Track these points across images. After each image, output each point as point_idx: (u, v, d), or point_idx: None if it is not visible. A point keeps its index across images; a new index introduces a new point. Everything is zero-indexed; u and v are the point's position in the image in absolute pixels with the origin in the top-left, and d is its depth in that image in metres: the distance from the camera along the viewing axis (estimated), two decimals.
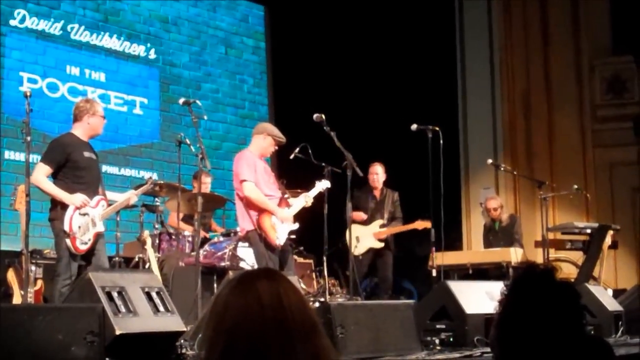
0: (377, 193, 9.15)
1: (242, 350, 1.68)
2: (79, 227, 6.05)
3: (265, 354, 1.68)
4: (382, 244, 8.90)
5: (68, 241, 5.98)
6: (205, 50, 11.81)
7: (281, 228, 6.88)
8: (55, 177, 6.17)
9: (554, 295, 2.40)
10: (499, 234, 9.27)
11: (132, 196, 6.67)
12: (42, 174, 6.07)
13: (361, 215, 8.93)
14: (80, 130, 6.33)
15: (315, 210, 7.30)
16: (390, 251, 9.01)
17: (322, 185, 7.28)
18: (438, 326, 5.98)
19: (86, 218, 6.11)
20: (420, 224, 8.66)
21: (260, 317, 1.70)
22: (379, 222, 8.96)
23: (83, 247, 6.09)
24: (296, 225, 7.09)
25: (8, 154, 9.29)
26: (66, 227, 5.99)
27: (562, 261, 9.94)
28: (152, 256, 7.10)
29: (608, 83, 12.08)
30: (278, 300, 1.73)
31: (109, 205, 6.43)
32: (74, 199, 6.02)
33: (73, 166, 6.15)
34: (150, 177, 6.93)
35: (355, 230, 8.72)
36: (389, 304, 6.17)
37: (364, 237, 8.91)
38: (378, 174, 9.11)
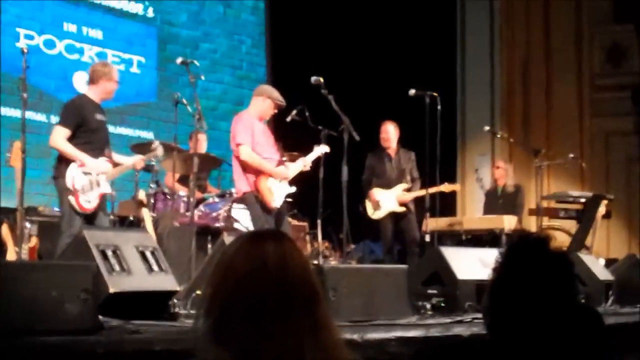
0: (391, 153, 8.66)
1: (241, 309, 1.69)
2: (82, 186, 6.10)
3: (264, 315, 1.68)
4: (403, 208, 8.46)
5: (71, 198, 6.03)
6: (203, 10, 11.72)
7: (278, 190, 6.89)
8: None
9: (547, 264, 2.40)
10: (500, 200, 9.32)
11: (139, 161, 6.75)
12: (62, 138, 6.13)
13: (375, 198, 8.54)
14: (93, 93, 6.41)
15: (311, 174, 7.30)
16: (412, 212, 8.51)
17: (321, 150, 7.26)
18: (430, 291, 6.01)
19: (89, 177, 6.18)
20: (447, 187, 8.37)
21: (263, 279, 1.71)
22: (403, 185, 8.51)
23: (87, 206, 6.14)
24: (293, 189, 7.09)
25: (4, 110, 9.24)
26: (69, 185, 6.05)
27: (555, 229, 9.98)
28: (147, 215, 7.11)
29: (608, 52, 12.04)
30: (283, 263, 1.73)
31: (115, 166, 6.46)
32: (93, 166, 6.09)
33: (85, 128, 6.22)
34: (159, 143, 6.94)
35: (377, 194, 8.53)
36: (381, 268, 6.20)
37: (385, 201, 8.52)
38: (389, 132, 8.64)
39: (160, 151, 6.73)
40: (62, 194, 6.13)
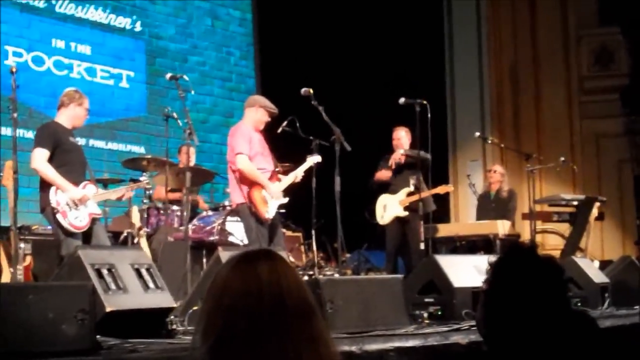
0: (402, 158, 8.52)
1: (240, 329, 1.69)
2: (66, 202, 6.05)
3: (263, 334, 1.69)
4: (406, 213, 8.33)
5: (60, 217, 5.98)
6: (191, 23, 11.73)
7: (271, 202, 6.89)
8: None
9: (537, 271, 2.41)
10: (493, 204, 9.33)
11: (126, 192, 6.72)
12: (43, 160, 6.07)
13: (385, 174, 8.55)
14: (64, 118, 6.36)
15: (304, 184, 7.30)
16: (419, 217, 7.98)
17: (313, 159, 7.27)
18: (426, 300, 6.01)
19: None
20: (442, 189, 8.39)
21: (258, 298, 1.71)
22: (407, 189, 8.40)
23: (79, 224, 6.07)
24: (286, 200, 7.10)
25: None
26: (54, 205, 6.00)
27: (549, 233, 10.01)
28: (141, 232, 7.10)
29: (595, 54, 12.09)
30: (276, 282, 1.73)
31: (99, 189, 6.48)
32: (74, 193, 6.05)
33: (60, 150, 6.17)
34: (146, 178, 6.97)
35: (384, 199, 8.54)
36: (377, 279, 6.21)
37: (391, 205, 8.49)
38: (401, 138, 8.58)
39: (145, 184, 6.79)
40: (53, 220, 6.07)
